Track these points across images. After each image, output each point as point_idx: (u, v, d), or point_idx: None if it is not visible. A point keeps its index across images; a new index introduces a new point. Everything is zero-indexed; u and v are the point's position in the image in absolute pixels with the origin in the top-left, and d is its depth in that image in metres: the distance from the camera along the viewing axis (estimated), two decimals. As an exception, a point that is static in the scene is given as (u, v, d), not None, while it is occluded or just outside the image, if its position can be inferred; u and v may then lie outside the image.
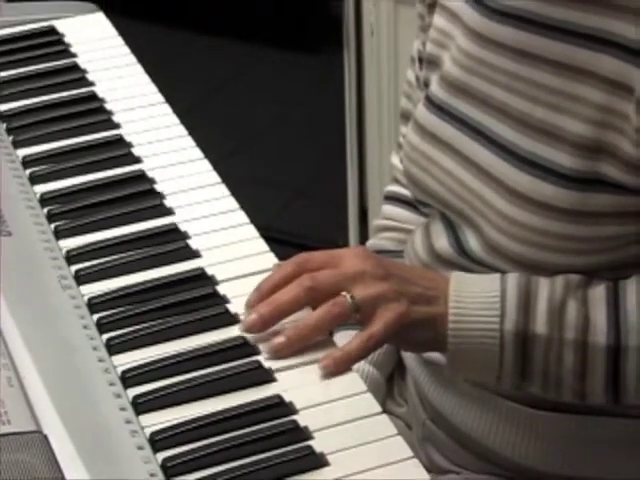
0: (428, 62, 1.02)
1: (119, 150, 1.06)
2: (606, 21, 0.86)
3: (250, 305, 0.86)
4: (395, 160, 1.12)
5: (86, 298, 0.88)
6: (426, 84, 1.01)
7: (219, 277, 0.91)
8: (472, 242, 0.95)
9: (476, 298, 0.89)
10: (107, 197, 0.99)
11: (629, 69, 0.85)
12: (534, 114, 0.90)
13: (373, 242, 1.11)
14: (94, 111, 1.11)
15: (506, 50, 0.92)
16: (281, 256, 0.93)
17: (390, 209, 1.12)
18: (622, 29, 0.85)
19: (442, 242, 0.98)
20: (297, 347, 0.83)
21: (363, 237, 1.90)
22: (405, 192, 1.09)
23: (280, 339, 0.83)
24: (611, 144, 0.87)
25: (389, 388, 1.09)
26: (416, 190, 1.02)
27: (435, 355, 0.96)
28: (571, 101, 0.88)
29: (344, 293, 0.86)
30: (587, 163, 0.88)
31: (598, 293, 0.89)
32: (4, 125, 1.09)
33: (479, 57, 0.94)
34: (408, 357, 1.05)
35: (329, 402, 0.80)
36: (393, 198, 1.12)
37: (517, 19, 0.91)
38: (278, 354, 0.83)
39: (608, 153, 0.87)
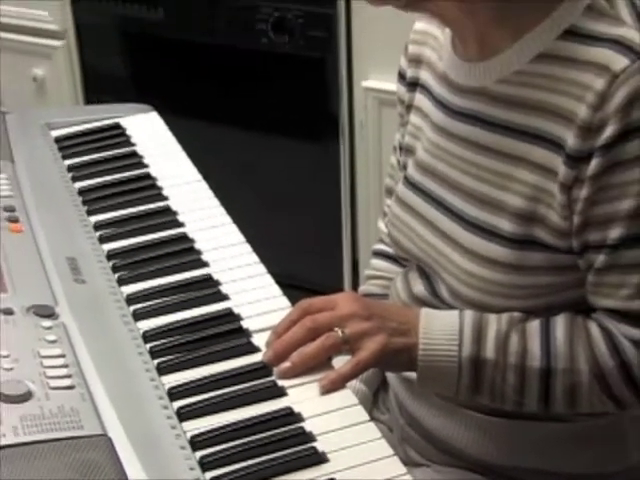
0: (406, 150, 1.02)
1: (166, 217, 1.06)
2: (539, 122, 0.86)
3: (270, 344, 0.86)
4: (381, 225, 1.12)
5: (141, 331, 0.88)
6: (404, 167, 1.02)
7: (243, 315, 0.91)
8: (442, 288, 0.95)
9: (440, 331, 0.89)
10: (157, 253, 1.00)
11: (555, 158, 0.85)
12: (482, 191, 0.90)
13: (364, 288, 1.11)
14: (148, 187, 1.11)
15: (462, 141, 0.92)
16: (291, 298, 0.93)
17: (377, 262, 1.12)
18: (551, 128, 0.85)
19: (419, 287, 0.98)
20: (299, 371, 0.84)
21: (354, 283, 1.89)
22: (388, 249, 1.09)
23: (286, 364, 0.84)
24: (542, 215, 0.87)
25: (375, 400, 1.09)
26: (397, 248, 1.02)
27: (412, 375, 0.96)
28: (510, 181, 0.88)
29: (337, 329, 0.86)
30: (524, 229, 0.88)
31: (534, 327, 0.88)
32: (80, 198, 1.09)
33: (442, 147, 0.95)
34: (390, 376, 1.05)
35: (329, 412, 0.80)
36: (379, 254, 1.12)
37: (471, 118, 0.91)
38: (285, 376, 0.83)
39: (540, 222, 0.87)
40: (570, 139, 0.83)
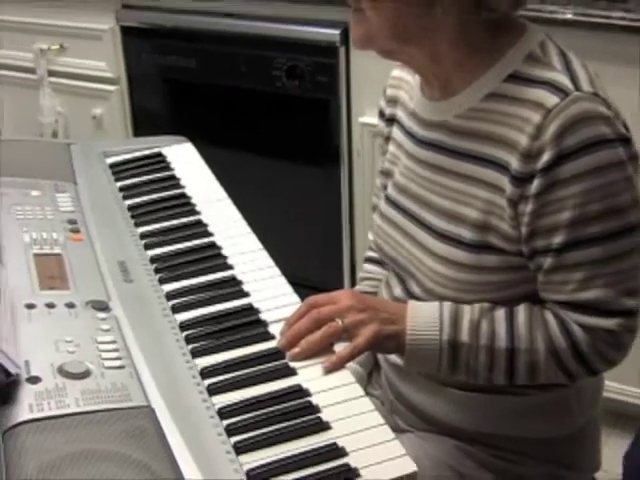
0: (386, 174, 1.02)
1: (198, 228, 1.06)
2: (489, 149, 0.86)
3: (283, 333, 0.86)
4: (370, 236, 1.13)
5: (178, 322, 0.88)
6: (385, 187, 1.02)
7: (261, 309, 0.91)
8: (415, 288, 0.95)
9: (423, 319, 0.88)
10: (191, 258, 0.99)
11: (503, 179, 0.85)
12: (446, 206, 0.90)
13: (358, 287, 1.11)
14: (184, 204, 1.11)
15: (428, 166, 0.92)
16: (300, 295, 0.93)
17: (367, 266, 1.11)
18: (498, 154, 0.85)
19: (397, 291, 0.98)
20: (307, 355, 0.84)
21: (353, 282, 1.89)
22: (377, 255, 1.09)
23: (296, 349, 0.84)
24: (495, 225, 0.87)
25: (369, 378, 1.09)
26: (381, 254, 1.02)
27: (398, 360, 0.96)
28: (468, 197, 0.88)
29: (337, 320, 0.86)
30: (481, 236, 0.87)
31: (500, 315, 0.88)
32: (129, 213, 1.09)
33: (413, 170, 0.94)
34: (381, 359, 1.05)
35: (331, 389, 0.80)
36: (369, 259, 1.11)
37: (434, 147, 0.91)
38: (295, 359, 0.83)
39: (494, 230, 0.87)
40: (514, 163, 0.83)
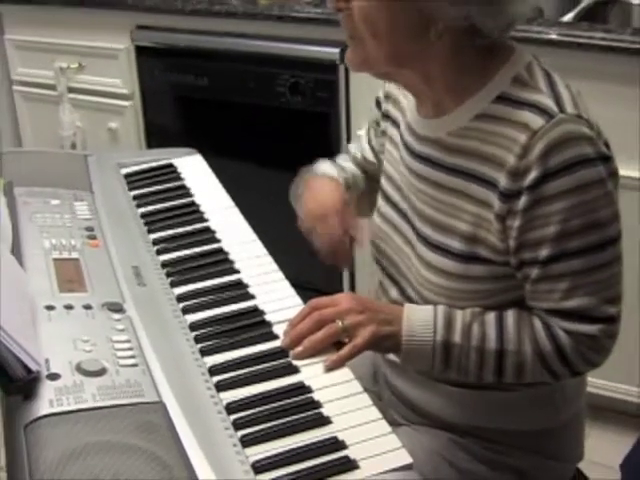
0: (387, 178, 1.01)
1: (207, 235, 1.05)
2: (478, 165, 0.85)
3: (286, 333, 0.86)
4: (352, 149, 1.14)
5: (188, 323, 0.88)
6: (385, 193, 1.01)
7: (266, 310, 0.91)
8: (411, 293, 0.95)
9: (419, 322, 0.88)
10: (200, 262, 0.99)
11: (490, 194, 0.84)
12: (438, 217, 0.90)
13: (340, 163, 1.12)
14: (193, 212, 1.11)
15: (421, 178, 0.92)
16: (303, 297, 0.93)
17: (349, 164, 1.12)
18: (487, 171, 0.85)
19: (393, 292, 0.98)
20: (309, 354, 0.84)
21: (352, 286, 1.89)
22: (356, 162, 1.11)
23: (299, 348, 0.84)
24: (484, 237, 0.86)
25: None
26: (377, 253, 1.01)
27: (395, 358, 0.95)
28: (458, 211, 0.88)
29: (338, 321, 0.86)
30: (469, 247, 0.87)
31: (491, 318, 0.88)
32: (143, 220, 1.08)
33: (409, 181, 0.94)
34: (379, 358, 1.04)
35: (332, 386, 0.80)
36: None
37: (428, 161, 0.91)
38: (298, 358, 0.83)
39: (482, 242, 0.87)
40: (502, 180, 0.83)
